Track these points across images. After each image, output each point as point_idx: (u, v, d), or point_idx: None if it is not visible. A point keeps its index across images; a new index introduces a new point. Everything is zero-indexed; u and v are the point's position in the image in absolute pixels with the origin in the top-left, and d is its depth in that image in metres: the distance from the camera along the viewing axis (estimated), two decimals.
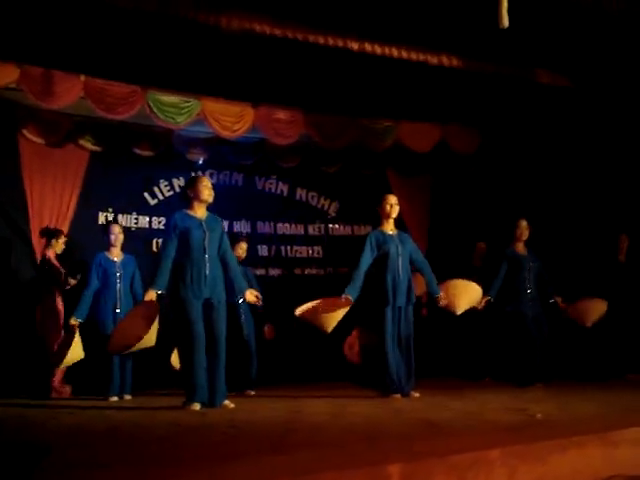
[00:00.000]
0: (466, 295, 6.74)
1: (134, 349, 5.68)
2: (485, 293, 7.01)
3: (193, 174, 8.38)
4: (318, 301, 6.16)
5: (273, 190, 9.12)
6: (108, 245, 7.05)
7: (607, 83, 7.77)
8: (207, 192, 5.54)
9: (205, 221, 5.54)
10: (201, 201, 5.54)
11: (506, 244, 7.39)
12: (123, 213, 8.17)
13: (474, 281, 6.96)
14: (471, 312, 6.99)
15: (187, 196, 5.61)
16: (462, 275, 7.20)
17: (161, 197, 8.51)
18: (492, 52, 7.41)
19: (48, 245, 7.07)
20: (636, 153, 7.87)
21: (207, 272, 5.40)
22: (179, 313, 5.38)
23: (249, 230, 8.76)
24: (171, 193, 8.54)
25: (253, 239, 8.07)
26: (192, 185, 5.62)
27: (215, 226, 5.58)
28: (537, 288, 7.23)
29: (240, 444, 3.56)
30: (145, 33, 6.69)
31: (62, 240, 7.14)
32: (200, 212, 5.55)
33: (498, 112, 8.62)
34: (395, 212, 6.34)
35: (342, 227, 9.43)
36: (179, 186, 8.51)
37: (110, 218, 8.04)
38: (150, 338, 5.54)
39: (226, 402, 5.43)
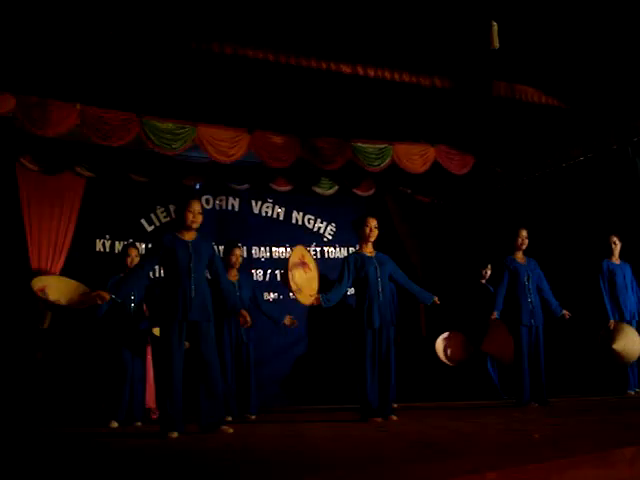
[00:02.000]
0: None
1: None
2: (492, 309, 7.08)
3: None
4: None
5: (269, 214, 9.16)
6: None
7: (596, 102, 7.85)
8: (190, 217, 5.45)
9: (192, 243, 5.50)
10: (185, 226, 5.50)
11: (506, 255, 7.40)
12: (120, 240, 8.19)
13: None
14: None
15: (178, 219, 5.60)
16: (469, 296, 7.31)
17: (157, 223, 8.55)
18: (483, 72, 7.49)
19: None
20: (626, 171, 7.93)
21: (193, 295, 5.36)
22: (161, 335, 5.40)
23: (245, 255, 8.77)
24: (168, 219, 8.59)
25: (249, 263, 8.05)
26: (181, 209, 5.56)
27: (202, 248, 5.56)
28: (538, 298, 7.22)
29: (240, 469, 3.56)
30: (139, 61, 6.76)
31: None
32: (188, 235, 5.50)
33: (491, 132, 8.69)
34: (374, 236, 6.32)
35: (338, 249, 9.46)
36: (175, 212, 8.54)
37: (107, 245, 8.06)
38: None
39: (224, 427, 5.38)
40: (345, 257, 6.44)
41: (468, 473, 2.91)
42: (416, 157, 8.71)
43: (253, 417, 7.00)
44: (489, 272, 8.56)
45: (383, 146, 8.57)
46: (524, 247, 7.22)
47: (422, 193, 9.58)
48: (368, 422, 5.92)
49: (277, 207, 9.22)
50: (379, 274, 6.24)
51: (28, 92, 6.83)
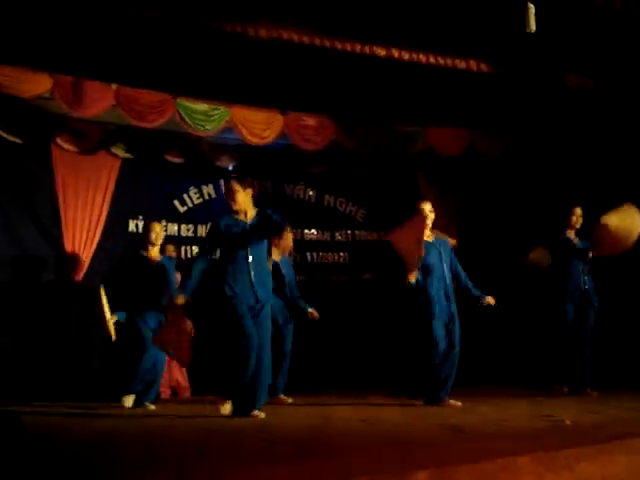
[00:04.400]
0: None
1: None
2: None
3: (222, 182, 8.48)
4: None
5: (301, 196, 9.15)
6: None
7: (634, 86, 7.71)
8: (238, 199, 5.48)
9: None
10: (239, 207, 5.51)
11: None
12: (153, 220, 8.20)
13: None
14: None
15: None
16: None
17: (190, 205, 8.57)
18: (519, 56, 7.40)
19: None
20: None
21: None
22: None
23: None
24: (200, 200, 8.61)
25: None
26: (226, 192, 5.62)
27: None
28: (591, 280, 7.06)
29: (273, 449, 3.60)
30: (174, 42, 6.78)
31: None
32: (240, 216, 5.53)
33: (525, 116, 8.57)
34: (430, 220, 6.20)
35: (368, 233, 9.44)
36: (208, 194, 8.61)
37: (140, 226, 8.12)
38: None
39: (256, 412, 5.29)
40: None
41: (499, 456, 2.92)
42: (450, 140, 8.65)
43: (289, 400, 6.97)
44: None
45: (417, 129, 8.51)
46: (578, 226, 7.06)
47: (454, 175, 9.47)
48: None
49: (309, 190, 9.21)
50: (443, 259, 6.19)
51: (64, 72, 6.88)
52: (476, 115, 8.54)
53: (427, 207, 6.24)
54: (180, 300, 5.46)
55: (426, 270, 6.09)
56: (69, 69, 6.90)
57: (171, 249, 7.61)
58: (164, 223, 8.15)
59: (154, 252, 6.63)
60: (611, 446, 3.21)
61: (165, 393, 7.37)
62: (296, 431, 4.47)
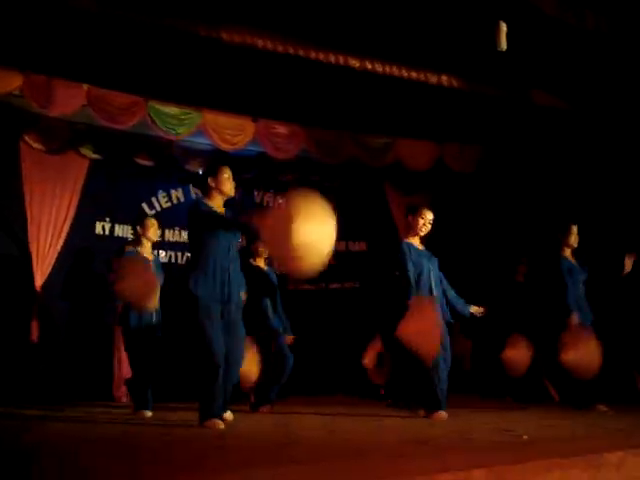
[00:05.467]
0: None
1: None
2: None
3: (191, 187, 8.48)
4: None
5: (271, 204, 9.15)
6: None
7: (602, 105, 7.85)
8: (229, 185, 5.17)
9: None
10: (222, 193, 5.16)
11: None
12: (120, 223, 8.17)
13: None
14: None
15: (207, 185, 5.18)
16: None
17: (159, 208, 8.53)
18: (490, 73, 7.50)
19: None
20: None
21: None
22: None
23: (244, 244, 8.74)
24: (169, 205, 8.58)
25: (248, 253, 8.03)
26: (214, 174, 5.18)
27: None
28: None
29: (231, 457, 3.59)
30: (148, 45, 6.76)
31: None
32: (217, 204, 5.17)
33: (496, 132, 8.68)
34: (425, 230, 5.94)
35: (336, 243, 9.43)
36: (177, 198, 8.58)
37: (107, 228, 8.08)
38: None
39: (226, 414, 5.23)
40: (399, 246, 5.95)
41: (456, 470, 2.95)
42: (420, 154, 8.73)
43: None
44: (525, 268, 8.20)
45: (387, 141, 8.58)
46: (575, 245, 6.78)
47: (424, 189, 9.53)
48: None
49: (279, 197, 9.21)
50: (432, 269, 5.89)
51: (36, 70, 6.82)
52: (446, 130, 8.64)
53: (428, 216, 5.95)
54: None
55: (415, 277, 5.80)
56: (40, 68, 6.84)
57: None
58: (130, 227, 8.07)
59: (148, 249, 6.39)
60: (569, 461, 3.25)
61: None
62: (252, 440, 4.46)
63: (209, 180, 5.18)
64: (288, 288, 9.00)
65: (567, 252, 6.81)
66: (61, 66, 6.90)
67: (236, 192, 8.50)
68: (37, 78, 6.86)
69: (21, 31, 6.41)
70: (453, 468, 2.97)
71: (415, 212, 5.94)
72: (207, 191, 5.20)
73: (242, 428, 5.05)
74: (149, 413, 5.98)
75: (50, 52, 6.70)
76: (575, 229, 6.79)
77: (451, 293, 6.03)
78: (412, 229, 5.94)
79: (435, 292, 5.84)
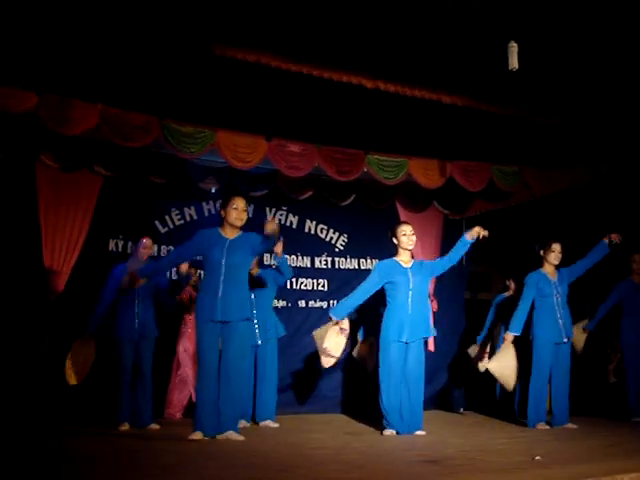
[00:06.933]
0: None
1: None
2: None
3: (205, 204, 8.53)
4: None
5: (283, 222, 9.16)
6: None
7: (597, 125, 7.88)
8: (234, 215, 5.63)
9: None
10: (227, 222, 5.67)
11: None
12: (133, 240, 8.19)
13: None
14: None
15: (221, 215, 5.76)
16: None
17: (172, 226, 8.58)
18: (502, 93, 7.50)
19: None
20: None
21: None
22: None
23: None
24: (182, 222, 8.63)
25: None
26: (223, 204, 5.74)
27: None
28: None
29: (240, 476, 3.59)
30: (161, 64, 6.81)
31: None
32: (228, 233, 5.69)
33: (507, 150, 8.69)
34: (410, 244, 6.30)
35: (348, 260, 9.46)
36: (190, 216, 8.62)
37: (120, 245, 8.12)
38: None
39: (230, 432, 5.36)
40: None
41: None
42: (432, 172, 8.72)
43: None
44: (513, 284, 8.40)
45: (400, 160, 8.57)
46: (555, 262, 6.93)
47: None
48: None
49: (290, 215, 9.24)
50: (411, 285, 6.17)
51: (51, 91, 6.88)
52: (457, 148, 8.64)
53: (407, 229, 6.31)
54: None
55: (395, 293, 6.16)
56: (55, 88, 6.91)
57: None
58: None
59: None
60: None
61: (174, 416, 7.50)
62: (264, 459, 4.44)
63: (220, 211, 5.73)
64: (298, 305, 9.05)
65: (548, 269, 6.93)
66: (75, 86, 6.95)
67: (248, 210, 8.62)
68: (52, 98, 6.91)
69: (35, 52, 6.47)
70: None
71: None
72: (221, 221, 5.73)
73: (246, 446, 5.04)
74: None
75: (64, 72, 6.77)
76: (557, 247, 6.92)
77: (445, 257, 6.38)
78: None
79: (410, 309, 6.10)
